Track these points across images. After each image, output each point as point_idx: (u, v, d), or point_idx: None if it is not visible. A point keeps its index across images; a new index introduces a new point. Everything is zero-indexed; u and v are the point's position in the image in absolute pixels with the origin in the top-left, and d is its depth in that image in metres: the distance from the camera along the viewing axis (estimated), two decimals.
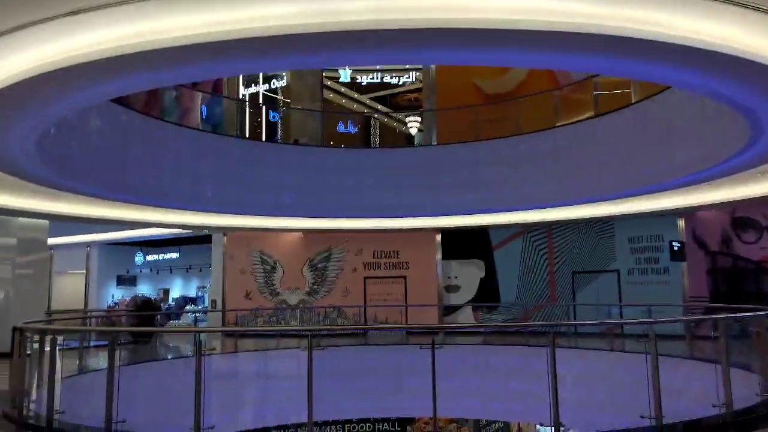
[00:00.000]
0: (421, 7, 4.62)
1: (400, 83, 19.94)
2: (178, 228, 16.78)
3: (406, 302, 17.75)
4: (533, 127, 13.98)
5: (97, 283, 21.61)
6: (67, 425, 6.11)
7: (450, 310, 18.02)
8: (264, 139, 18.27)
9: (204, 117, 17.82)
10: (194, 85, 18.35)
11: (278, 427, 13.56)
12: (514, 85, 17.38)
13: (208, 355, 11.90)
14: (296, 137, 17.51)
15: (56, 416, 6.18)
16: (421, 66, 19.00)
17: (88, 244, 21.04)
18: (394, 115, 20.66)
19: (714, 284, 14.88)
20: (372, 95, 20.68)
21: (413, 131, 18.84)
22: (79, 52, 5.00)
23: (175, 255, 22.82)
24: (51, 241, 17.67)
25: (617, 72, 6.86)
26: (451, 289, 18.12)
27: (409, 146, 18.16)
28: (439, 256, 18.07)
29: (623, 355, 11.10)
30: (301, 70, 18.74)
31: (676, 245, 14.95)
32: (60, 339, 6.65)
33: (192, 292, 23.16)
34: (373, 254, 18.26)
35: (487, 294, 17.73)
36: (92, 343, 10.75)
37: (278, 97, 20.04)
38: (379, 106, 20.84)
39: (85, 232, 18.73)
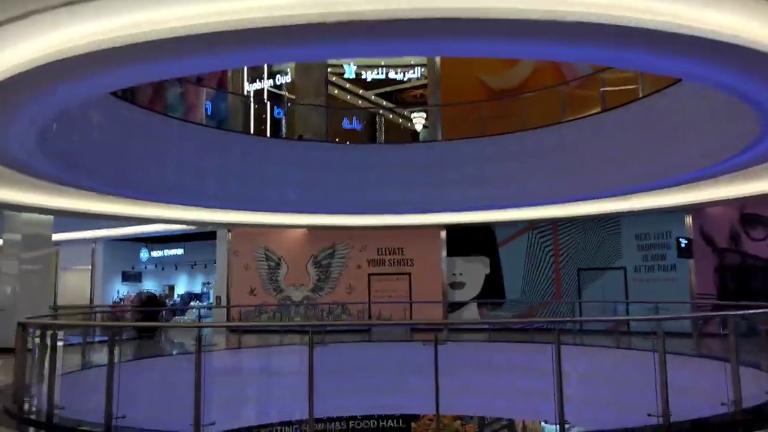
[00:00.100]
0: None
1: (405, 79, 19.84)
2: (183, 224, 16.76)
3: (410, 299, 17.68)
4: (539, 123, 13.86)
5: (103, 279, 21.62)
6: (67, 421, 6.05)
7: (455, 306, 17.94)
8: (268, 135, 18.22)
9: (209, 113, 17.78)
10: (199, 81, 18.34)
11: (281, 424, 13.54)
12: (520, 80, 17.29)
13: (211, 351, 11.93)
14: (301, 133, 17.45)
15: (57, 412, 6.14)
16: (426, 62, 18.91)
17: (93, 240, 21.02)
18: (399, 111, 20.57)
19: (722, 282, 14.75)
20: (377, 91, 20.60)
21: (418, 127, 18.74)
22: (75, 44, 4.93)
23: (180, 251, 22.82)
24: (57, 237, 17.70)
25: (625, 63, 6.75)
26: (455, 285, 18.04)
27: (414, 142, 18.06)
28: (444, 252, 17.98)
29: (629, 353, 11.02)
30: (305, 65, 18.71)
31: (683, 242, 14.83)
32: (61, 334, 6.60)
33: (197, 288, 23.16)
34: (378, 251, 18.20)
35: (492, 291, 17.64)
36: (97, 339, 10.71)
37: (283, 93, 19.98)
38: (384, 102, 20.75)
39: (90, 228, 18.73)
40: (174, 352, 13.14)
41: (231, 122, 17.98)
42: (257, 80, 19.74)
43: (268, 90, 19.82)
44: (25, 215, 13.22)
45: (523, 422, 16.50)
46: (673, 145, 10.47)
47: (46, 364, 6.53)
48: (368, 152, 15.53)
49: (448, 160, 14.52)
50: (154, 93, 16.70)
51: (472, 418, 16.19)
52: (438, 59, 18.23)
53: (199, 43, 4.89)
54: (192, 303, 21.39)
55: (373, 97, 20.71)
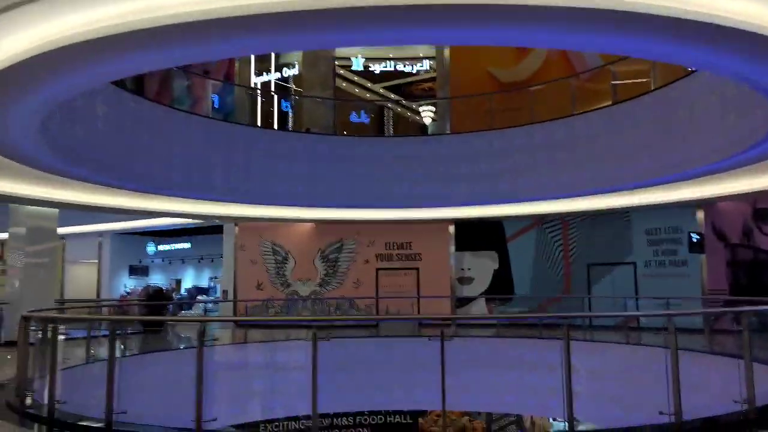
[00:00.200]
0: None
1: (414, 72, 19.69)
2: (188, 218, 16.69)
3: (418, 294, 17.60)
4: (549, 116, 13.69)
5: (110, 272, 21.63)
6: (68, 416, 5.98)
7: (463, 302, 17.83)
8: (276, 128, 18.12)
9: (216, 106, 17.71)
10: (206, 74, 18.26)
11: (287, 419, 13.48)
12: (529, 73, 17.12)
13: (216, 346, 11.90)
14: (308, 126, 17.34)
15: (59, 406, 6.07)
16: (434, 54, 18.75)
17: (100, 234, 21.02)
18: (408, 104, 20.43)
19: (734, 277, 14.56)
20: (385, 84, 20.45)
21: (427, 121, 18.61)
22: (75, 31, 4.84)
23: (187, 245, 22.81)
24: (63, 230, 17.70)
25: (636, 51, 6.57)
26: (464, 280, 17.92)
27: (422, 135, 17.93)
28: (453, 247, 17.85)
29: (639, 349, 10.89)
30: (312, 58, 18.60)
31: (695, 237, 14.64)
32: (63, 328, 6.52)
33: (204, 283, 23.15)
34: (386, 245, 18.09)
35: (501, 286, 17.51)
36: (102, 333, 10.67)
37: (290, 85, 19.88)
38: (392, 96, 20.61)
39: (97, 221, 18.70)
40: (181, 347, 13.09)
41: (238, 115, 17.90)
42: (264, 73, 19.64)
43: (275, 83, 19.71)
44: (30, 208, 13.18)
45: (532, 418, 16.41)
46: (685, 138, 10.31)
47: (49, 358, 6.46)
48: (376, 145, 15.39)
49: (456, 154, 14.37)
50: (161, 85, 16.64)
51: (480, 414, 16.11)
52: (447, 52, 18.08)
53: (201, 29, 4.79)
54: (199, 297, 21.37)
55: (381, 90, 20.57)
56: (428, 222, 17.26)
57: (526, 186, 13.65)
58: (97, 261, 21.60)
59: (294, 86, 19.86)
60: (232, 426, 13.42)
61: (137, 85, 14.71)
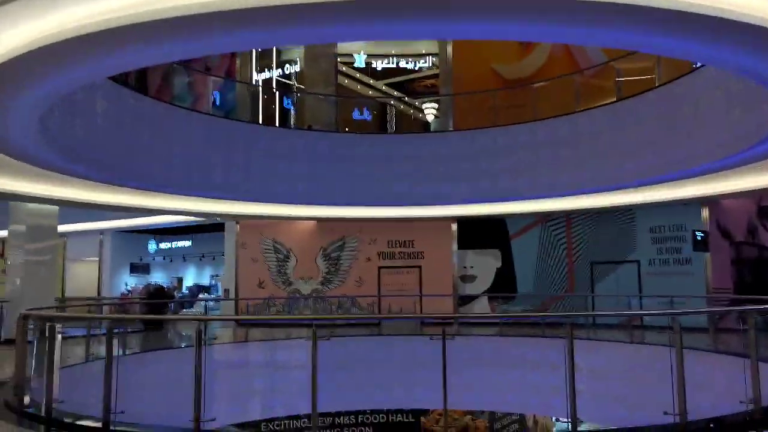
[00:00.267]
0: None
1: (417, 68, 19.58)
2: (189, 215, 16.64)
3: (420, 292, 17.52)
4: (553, 113, 13.59)
5: (111, 270, 21.58)
6: (66, 415, 5.92)
7: (465, 300, 17.76)
8: (277, 125, 18.05)
9: (217, 104, 17.65)
10: (207, 71, 18.20)
11: (288, 418, 13.43)
12: (533, 70, 17.02)
13: (217, 344, 11.84)
14: (310, 123, 17.27)
15: (56, 406, 6.00)
16: (437, 51, 18.66)
17: (101, 232, 20.98)
18: (411, 101, 20.34)
19: (739, 275, 14.47)
20: (388, 81, 20.36)
21: (430, 118, 18.51)
22: (75, 24, 4.76)
23: (188, 243, 22.75)
24: (64, 228, 17.65)
25: (641, 46, 6.48)
26: (466, 279, 17.84)
27: (425, 132, 17.83)
28: (455, 245, 17.77)
29: (644, 348, 10.81)
30: (314, 54, 18.52)
31: (699, 235, 14.53)
32: (60, 327, 6.45)
33: (206, 281, 23.10)
34: (388, 243, 18.03)
35: (504, 284, 17.43)
36: (103, 331, 10.61)
37: (292, 82, 19.80)
38: (395, 93, 20.52)
39: (98, 219, 18.66)
40: (182, 345, 13.04)
41: (239, 113, 17.83)
42: (266, 70, 19.56)
43: (276, 79, 19.63)
44: (30, 206, 13.13)
45: (534, 417, 16.34)
46: (689, 135, 10.21)
47: (46, 357, 6.40)
48: (378, 143, 15.31)
49: (459, 151, 14.29)
50: (162, 82, 16.58)
51: (482, 412, 16.05)
52: (450, 48, 17.99)
53: (201, 22, 4.72)
54: (200, 295, 21.32)
55: (383, 87, 20.48)
56: (430, 220, 17.19)
57: (529, 183, 13.56)
58: (98, 259, 21.56)
59: (296, 83, 19.77)
60: (233, 425, 13.40)
61: (139, 83, 14.66)
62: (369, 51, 19.20)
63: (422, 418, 15.53)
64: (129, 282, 22.04)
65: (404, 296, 17.26)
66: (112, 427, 5.46)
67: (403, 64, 19.45)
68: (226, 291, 18.51)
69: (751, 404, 5.77)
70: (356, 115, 18.39)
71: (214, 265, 22.48)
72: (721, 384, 7.48)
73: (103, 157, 9.88)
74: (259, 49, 19.48)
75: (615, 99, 12.79)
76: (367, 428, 15.31)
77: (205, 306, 17.89)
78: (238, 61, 19.25)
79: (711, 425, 5.60)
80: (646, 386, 9.04)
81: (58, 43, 4.94)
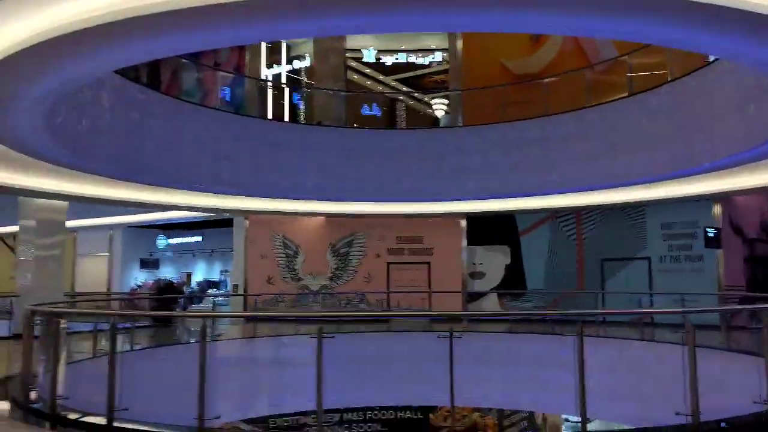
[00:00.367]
0: None
1: (426, 63, 19.47)
2: (198, 211, 16.65)
3: (429, 289, 17.44)
4: (563, 109, 13.46)
5: (121, 265, 21.64)
6: (71, 412, 5.89)
7: (474, 297, 17.67)
8: (286, 121, 18.01)
9: (227, 100, 17.63)
10: (216, 66, 18.18)
11: (295, 414, 13.39)
12: (543, 65, 16.87)
13: (225, 340, 11.81)
14: (319, 119, 17.21)
15: (62, 402, 5.98)
16: (447, 46, 18.54)
17: (111, 227, 21.04)
18: (420, 97, 20.24)
19: (752, 273, 14.30)
20: (397, 76, 20.27)
21: (439, 113, 18.41)
22: (76, 18, 4.72)
23: (198, 238, 22.77)
24: (74, 223, 17.70)
25: (654, 38, 6.34)
26: (475, 275, 17.75)
27: (434, 128, 17.73)
28: (464, 241, 17.69)
29: (654, 346, 10.69)
30: (324, 50, 18.45)
31: (711, 232, 14.37)
32: (64, 322, 6.43)
33: (215, 276, 23.12)
34: (397, 240, 17.96)
35: (513, 281, 17.33)
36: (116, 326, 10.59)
37: (301, 78, 19.74)
38: (404, 88, 20.43)
39: (108, 214, 18.71)
40: (192, 341, 13.03)
41: (248, 108, 17.79)
42: (275, 65, 19.50)
43: (286, 75, 19.58)
44: (40, 201, 13.15)
45: (543, 415, 16.25)
46: (702, 130, 10.08)
47: (52, 353, 6.37)
48: (387, 138, 15.23)
49: (468, 147, 14.19)
50: (172, 78, 16.58)
51: (491, 410, 15.97)
52: (459, 43, 17.87)
53: (209, 15, 4.67)
54: (209, 291, 21.34)
55: (392, 82, 20.38)
56: (440, 216, 17.11)
57: (539, 179, 13.44)
58: (108, 254, 21.62)
59: (305, 79, 19.71)
60: (242, 421, 13.39)
61: (151, 78, 14.67)
62: (378, 46, 19.11)
63: (431, 415, 15.47)
64: (139, 277, 22.08)
65: (413, 292, 17.20)
66: (115, 424, 5.42)
67: (412, 59, 19.34)
68: (235, 286, 18.50)
69: (765, 404, 5.67)
70: (365, 110, 18.33)
71: (223, 261, 22.49)
72: (733, 383, 7.36)
73: (111, 152, 9.87)
74: (269, 45, 19.43)
75: (626, 94, 12.64)
76: (375, 425, 15.27)
77: (213, 302, 17.89)
78: (247, 57, 19.21)
79: (724, 426, 5.49)
80: (657, 384, 8.95)
81: (63, 36, 4.90)
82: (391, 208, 16.12)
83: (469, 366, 10.00)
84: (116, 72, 9.67)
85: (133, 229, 21.75)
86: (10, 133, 7.71)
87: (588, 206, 15.66)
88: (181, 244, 23.19)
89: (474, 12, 4.99)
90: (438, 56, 19.24)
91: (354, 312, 16.89)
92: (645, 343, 11.21)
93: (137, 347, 10.91)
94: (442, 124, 18.08)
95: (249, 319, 14.32)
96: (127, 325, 10.99)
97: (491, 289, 17.62)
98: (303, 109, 18.99)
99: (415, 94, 20.56)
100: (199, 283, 22.67)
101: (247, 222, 18.08)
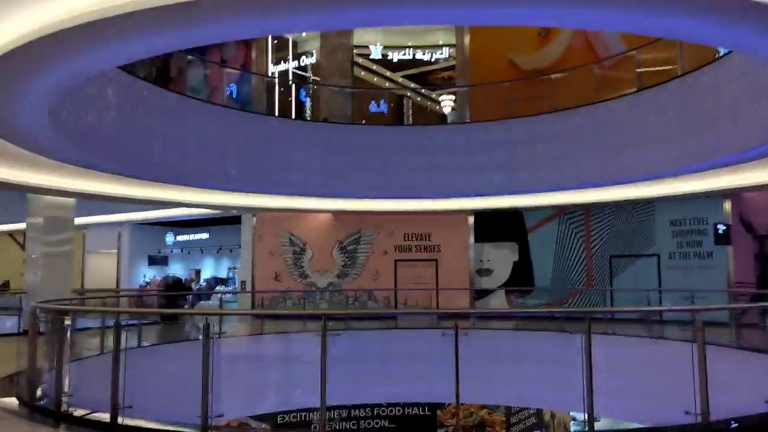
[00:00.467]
0: None
1: (433, 60, 19.37)
2: (205, 208, 16.64)
3: (437, 286, 17.41)
4: (571, 105, 13.34)
5: (129, 262, 21.70)
6: (75, 409, 5.88)
7: (482, 294, 17.61)
8: (293, 117, 17.96)
9: (234, 96, 17.61)
10: (223, 63, 18.16)
11: (302, 410, 13.40)
12: (551, 60, 16.73)
13: (230, 338, 11.80)
14: (326, 116, 17.16)
15: (68, 399, 5.98)
16: (454, 42, 18.44)
17: (119, 224, 21.09)
18: (427, 93, 20.13)
19: (762, 270, 14.17)
20: (404, 73, 20.18)
21: (447, 110, 18.31)
22: (76, 13, 4.67)
23: (205, 235, 22.81)
24: (83, 220, 17.76)
25: (666, 32, 6.23)
26: (483, 272, 17.69)
27: (441, 124, 17.64)
28: (472, 238, 17.62)
29: (663, 343, 10.62)
30: (330, 46, 18.38)
31: (721, 228, 14.25)
32: (68, 319, 6.42)
33: (223, 273, 23.16)
34: (404, 237, 17.92)
35: (521, 278, 17.26)
36: (123, 323, 10.60)
37: (308, 74, 19.69)
38: (411, 84, 20.34)
39: (116, 211, 18.74)
40: (200, 338, 13.02)
41: (255, 105, 17.76)
42: (282, 62, 19.47)
43: (292, 71, 19.54)
44: (47, 198, 13.18)
45: (551, 413, 16.19)
46: (712, 126, 9.95)
47: (57, 351, 6.37)
48: (394, 134, 15.15)
49: (476, 143, 14.09)
50: (179, 75, 16.58)
51: (499, 407, 15.94)
52: (467, 39, 17.77)
53: (218, 9, 4.63)
54: (217, 288, 21.38)
55: (400, 79, 20.30)
56: (447, 213, 17.04)
57: (547, 176, 13.33)
58: (116, 251, 21.68)
59: (312, 75, 19.66)
60: (249, 417, 13.40)
61: (161, 75, 14.69)
62: (385, 43, 19.03)
63: (438, 412, 15.46)
64: (147, 274, 22.15)
65: (421, 290, 17.17)
66: (119, 421, 5.41)
67: (419, 55, 19.24)
68: (243, 283, 18.52)
69: None
70: (373, 107, 18.25)
71: (231, 258, 22.52)
72: (743, 382, 7.28)
73: (117, 149, 9.85)
74: (275, 41, 19.40)
75: (635, 90, 12.52)
76: (383, 421, 15.27)
77: (220, 299, 17.91)
78: (254, 54, 19.18)
79: (734, 425, 5.42)
80: (665, 382, 8.86)
81: (68, 29, 4.85)
82: (399, 205, 16.07)
83: (476, 363, 9.95)
84: (123, 69, 9.66)
85: (142, 226, 21.79)
86: (15, 129, 7.69)
87: (596, 203, 15.54)
88: (189, 241, 23.23)
89: (476, 7, 4.92)
90: (445, 52, 19.14)
91: (358, 310, 16.87)
92: (654, 340, 11.15)
93: (146, 344, 10.94)
94: (449, 121, 17.98)
95: (254, 317, 14.35)
96: (135, 322, 11.04)
97: (499, 287, 17.56)
98: (309, 106, 18.94)
99: (422, 90, 20.45)
100: (207, 280, 22.72)
101: (255, 219, 18.08)
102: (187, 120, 11.80)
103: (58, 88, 6.42)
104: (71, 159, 9.53)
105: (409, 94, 19.95)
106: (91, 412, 5.86)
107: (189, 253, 23.26)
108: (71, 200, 13.55)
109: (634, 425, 10.14)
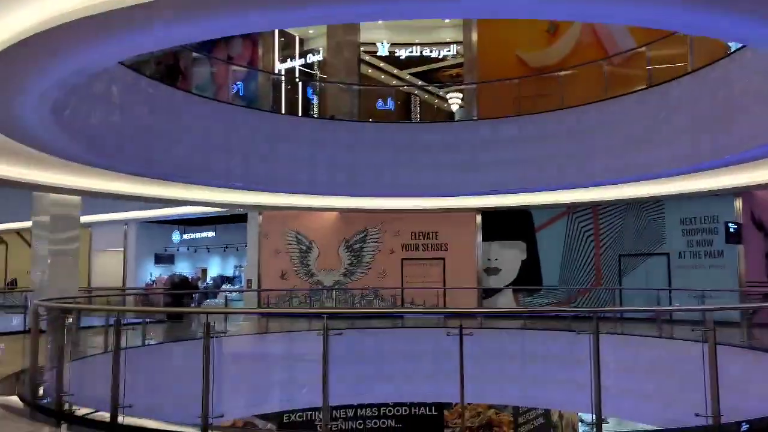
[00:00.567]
0: None
1: (440, 57, 19.25)
2: (210, 206, 16.59)
3: (444, 285, 17.30)
4: (581, 102, 13.19)
5: (136, 260, 21.68)
6: (76, 408, 5.82)
7: (490, 293, 17.49)
8: (300, 115, 17.90)
9: (241, 94, 17.57)
10: (229, 60, 18.12)
11: (308, 409, 13.33)
12: (560, 57, 16.59)
13: (234, 336, 11.75)
14: (332, 114, 17.08)
15: (69, 398, 5.91)
16: (461, 39, 18.31)
17: (126, 222, 21.08)
18: (434, 90, 20.02)
19: None
20: (412, 70, 20.08)
21: (454, 107, 18.20)
22: (81, 6, 4.59)
23: (212, 234, 22.77)
24: (89, 218, 17.75)
25: (679, 26, 6.10)
26: (490, 271, 17.56)
27: (448, 121, 17.53)
28: (479, 237, 17.50)
29: (673, 343, 10.48)
30: (337, 43, 18.31)
31: (732, 227, 14.08)
32: (69, 318, 6.36)
33: (229, 271, 23.12)
34: (411, 235, 17.82)
35: (529, 277, 17.12)
36: (127, 321, 10.56)
37: (314, 72, 19.62)
38: (419, 82, 20.24)
39: (122, 210, 18.73)
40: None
41: (261, 103, 17.71)
42: (288, 59, 19.40)
43: (299, 69, 19.47)
44: (53, 196, 13.14)
45: (559, 413, 16.07)
46: (723, 122, 9.80)
47: (58, 349, 6.31)
48: (401, 132, 15.05)
49: (483, 140, 13.97)
50: (186, 72, 16.53)
51: (506, 407, 15.82)
52: (474, 36, 17.65)
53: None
54: (224, 286, 21.34)
55: (407, 76, 20.20)
56: (454, 211, 16.94)
57: (555, 173, 13.19)
58: (123, 249, 21.68)
59: (318, 73, 19.59)
60: (255, 416, 13.35)
61: (170, 73, 14.65)
62: (392, 40, 18.93)
63: (445, 412, 15.37)
64: (154, 272, 22.14)
65: (427, 288, 17.07)
66: (119, 420, 5.34)
67: (426, 52, 19.12)
68: (249, 282, 18.48)
69: None
70: (380, 105, 18.17)
71: (238, 256, 22.48)
72: (755, 383, 7.16)
73: (122, 147, 9.80)
74: (282, 39, 19.34)
75: (645, 86, 12.36)
76: (390, 421, 15.19)
77: (226, 297, 17.87)
78: (260, 51, 19.12)
79: (745, 428, 5.30)
80: (675, 383, 8.75)
81: (72, 22, 4.78)
82: (406, 203, 15.97)
83: (484, 363, 9.86)
84: (128, 66, 9.62)
85: (148, 225, 21.78)
86: (20, 126, 7.63)
87: (606, 201, 15.41)
88: (196, 239, 23.21)
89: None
90: (453, 49, 19.02)
91: (361, 309, 16.79)
92: (663, 340, 11.00)
93: (153, 342, 10.90)
94: (457, 118, 17.87)
95: (260, 315, 14.30)
96: (139, 320, 11.00)
97: (506, 286, 17.43)
98: (316, 104, 18.87)
99: (429, 87, 20.34)
100: (213, 279, 22.69)
101: (261, 217, 18.04)
102: (193, 117, 11.74)
103: (62, 83, 6.37)
104: (76, 156, 9.48)
105: (416, 91, 19.84)
106: (94, 411, 5.80)
107: (195, 251, 23.23)
108: (77, 198, 13.51)
109: (643, 426, 10.03)
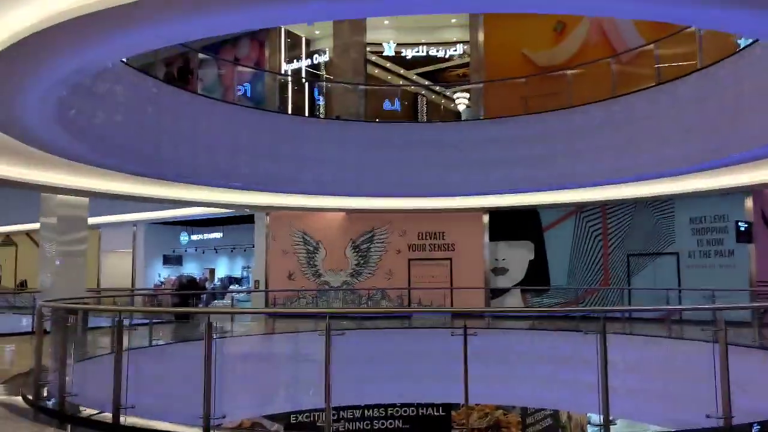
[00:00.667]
0: None
1: (447, 57, 19.17)
2: (217, 207, 16.60)
3: (451, 285, 17.22)
4: (588, 100, 13.09)
5: (144, 261, 21.74)
6: (78, 409, 5.80)
7: (497, 293, 17.39)
8: (306, 116, 17.89)
9: (248, 95, 17.56)
10: (236, 61, 18.12)
11: (313, 410, 13.27)
12: (567, 56, 16.49)
13: (239, 337, 11.72)
14: (339, 114, 17.05)
15: (72, 399, 5.89)
16: (468, 38, 18.25)
17: (134, 223, 21.13)
18: (441, 90, 19.94)
19: None
20: (418, 71, 20.02)
21: (461, 107, 18.13)
22: (82, 3, 4.57)
23: (219, 235, 22.80)
24: (98, 220, 17.79)
25: (690, 18, 6.00)
26: (498, 271, 17.47)
27: (455, 121, 17.46)
28: (487, 237, 17.42)
29: (682, 343, 10.37)
30: (344, 44, 18.29)
31: (742, 226, 13.93)
32: (71, 318, 6.34)
33: (237, 272, 23.13)
34: (418, 235, 17.76)
35: (537, 277, 17.02)
36: (134, 322, 10.56)
37: (321, 72, 19.60)
38: (425, 82, 20.17)
39: (131, 211, 18.76)
40: (214, 336, 12.94)
41: (268, 104, 17.71)
42: (295, 60, 19.39)
43: (306, 70, 19.45)
44: (60, 197, 13.16)
45: (568, 414, 15.95)
46: (733, 120, 9.70)
47: (61, 350, 6.29)
48: (408, 132, 15.02)
49: (491, 140, 13.90)
50: (193, 73, 16.53)
51: (514, 407, 15.73)
52: (481, 35, 17.58)
53: None
54: (231, 287, 21.36)
55: (414, 76, 20.14)
56: (462, 211, 16.88)
57: (563, 173, 13.11)
58: (131, 250, 21.73)
59: (325, 73, 19.57)
60: (263, 416, 13.32)
61: (181, 74, 14.65)
62: (399, 40, 18.88)
63: (453, 412, 15.29)
64: (162, 273, 22.18)
65: (434, 288, 17.00)
66: (122, 421, 5.31)
67: (433, 52, 19.05)
68: (257, 282, 18.47)
69: None
70: (387, 105, 18.11)
71: (245, 257, 22.50)
72: (767, 383, 7.06)
73: (127, 147, 9.80)
74: (288, 40, 19.33)
75: (653, 84, 12.26)
76: (397, 421, 15.12)
77: (233, 298, 17.88)
78: (267, 52, 19.12)
79: (757, 429, 5.21)
80: (686, 384, 8.64)
81: (68, 21, 4.75)
82: (412, 203, 15.91)
83: (492, 363, 9.79)
84: (134, 67, 9.61)
85: (156, 226, 21.84)
86: (24, 127, 7.63)
87: (614, 200, 15.30)
88: (204, 240, 23.25)
89: None
90: (459, 49, 18.94)
91: (362, 309, 16.74)
92: (673, 340, 10.89)
93: (161, 342, 10.89)
94: (463, 118, 17.79)
95: (263, 316, 14.28)
96: (146, 321, 10.99)
97: (514, 286, 17.34)
98: (323, 104, 18.84)
99: (436, 87, 20.26)
100: (221, 280, 22.72)
101: (268, 218, 18.03)
102: (200, 118, 11.74)
103: (62, 83, 6.35)
104: (82, 157, 9.50)
105: (423, 91, 19.77)
106: (98, 413, 5.78)
107: (203, 252, 23.28)
108: (84, 199, 13.53)
109: (653, 428, 9.92)
